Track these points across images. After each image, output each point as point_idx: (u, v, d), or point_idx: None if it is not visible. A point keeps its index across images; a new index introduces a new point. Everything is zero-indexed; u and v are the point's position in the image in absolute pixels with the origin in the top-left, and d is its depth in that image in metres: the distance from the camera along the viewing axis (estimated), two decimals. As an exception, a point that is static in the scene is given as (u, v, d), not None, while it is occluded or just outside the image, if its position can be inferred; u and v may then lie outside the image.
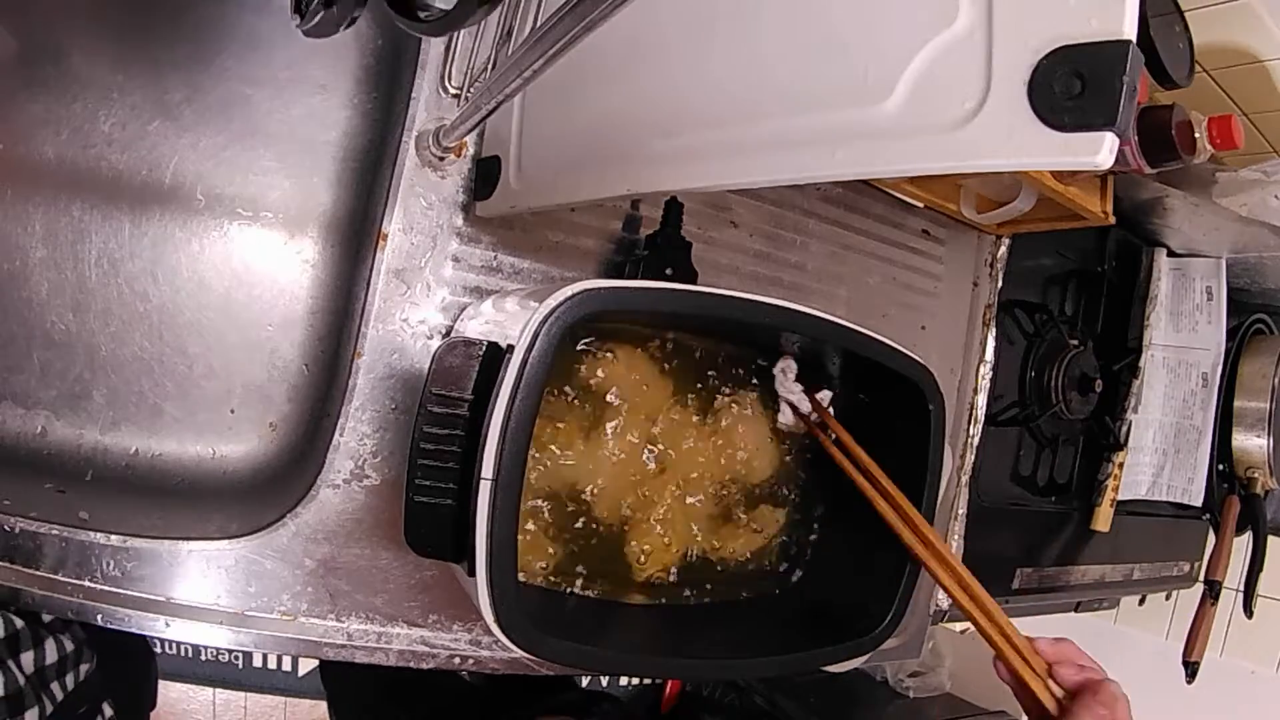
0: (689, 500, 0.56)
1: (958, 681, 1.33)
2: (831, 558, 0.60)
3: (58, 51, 0.56)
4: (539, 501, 0.52)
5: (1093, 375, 0.96)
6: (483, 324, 0.53)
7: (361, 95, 0.65)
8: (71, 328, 0.58)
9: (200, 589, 0.53)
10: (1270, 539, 1.12)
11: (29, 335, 0.57)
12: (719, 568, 0.58)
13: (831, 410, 0.58)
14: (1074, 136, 0.27)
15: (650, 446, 0.55)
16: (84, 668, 0.56)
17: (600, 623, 0.53)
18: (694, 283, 0.61)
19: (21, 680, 0.49)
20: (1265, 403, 1.10)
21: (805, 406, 0.58)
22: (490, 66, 0.56)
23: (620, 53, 0.44)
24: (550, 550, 0.52)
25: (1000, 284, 0.87)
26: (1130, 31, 0.26)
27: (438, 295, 0.58)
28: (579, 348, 0.52)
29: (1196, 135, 0.70)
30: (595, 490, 0.53)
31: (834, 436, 0.57)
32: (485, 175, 0.56)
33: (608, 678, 1.55)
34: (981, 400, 0.86)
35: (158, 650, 1.31)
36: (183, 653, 1.38)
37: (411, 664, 0.58)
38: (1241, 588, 1.12)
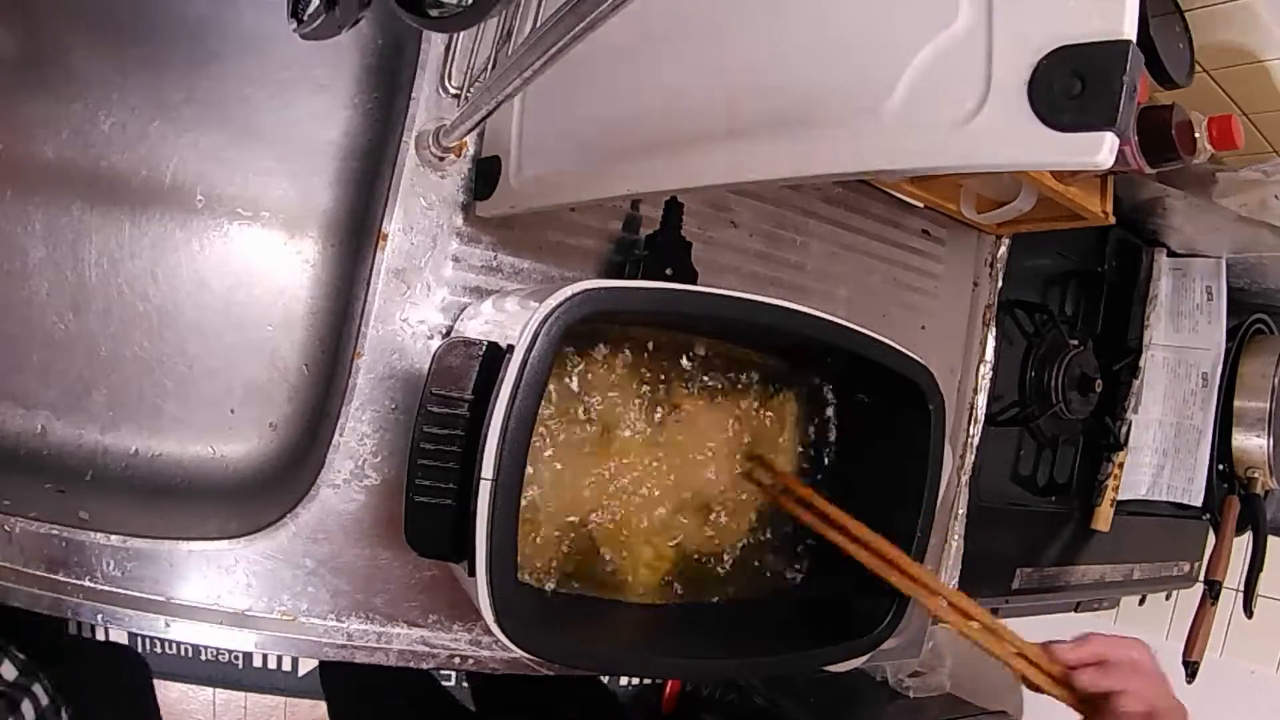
0: (683, 496, 0.56)
1: (958, 681, 1.33)
2: (831, 558, 0.60)
3: (58, 51, 0.56)
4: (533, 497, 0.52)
5: (1093, 375, 0.96)
6: (483, 324, 0.53)
7: (362, 95, 0.65)
8: (71, 328, 0.58)
9: (200, 589, 0.52)
10: (1270, 539, 1.11)
11: (29, 335, 0.57)
12: (718, 567, 0.58)
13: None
14: (1074, 136, 0.27)
15: (649, 449, 0.55)
16: (64, 715, 0.56)
17: (600, 622, 0.53)
18: (694, 283, 0.61)
19: None
20: (1265, 403, 1.10)
21: (766, 479, 0.58)
22: (490, 66, 0.56)
23: (620, 53, 0.44)
24: (550, 552, 0.52)
25: (1000, 284, 0.87)
26: (1130, 31, 0.26)
27: (438, 295, 0.58)
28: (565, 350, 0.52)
29: (1196, 135, 0.70)
30: (588, 493, 0.53)
31: (796, 496, 0.56)
32: (485, 175, 0.56)
33: (608, 677, 1.55)
34: (981, 400, 0.86)
35: (158, 651, 1.32)
36: (183, 653, 1.37)
37: (411, 664, 0.58)
38: (1241, 588, 1.12)
